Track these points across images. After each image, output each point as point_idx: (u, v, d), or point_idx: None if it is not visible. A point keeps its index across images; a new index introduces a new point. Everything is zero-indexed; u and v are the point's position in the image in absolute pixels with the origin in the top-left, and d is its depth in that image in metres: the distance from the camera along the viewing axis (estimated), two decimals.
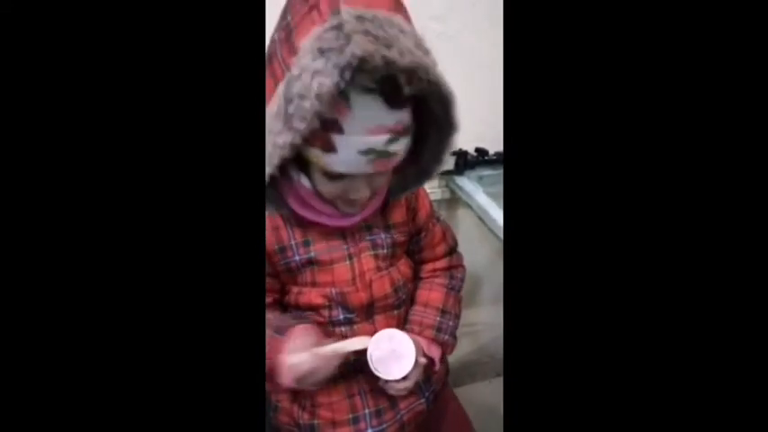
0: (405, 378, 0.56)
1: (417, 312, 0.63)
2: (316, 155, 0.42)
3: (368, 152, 0.40)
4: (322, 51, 0.34)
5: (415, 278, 0.66)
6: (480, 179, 0.86)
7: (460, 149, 0.86)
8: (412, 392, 0.59)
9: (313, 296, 0.55)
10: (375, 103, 0.38)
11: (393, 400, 0.59)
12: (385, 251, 0.58)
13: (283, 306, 0.59)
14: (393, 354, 0.55)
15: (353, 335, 0.57)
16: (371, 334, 0.56)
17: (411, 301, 0.64)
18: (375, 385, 0.58)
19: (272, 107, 0.38)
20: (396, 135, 0.41)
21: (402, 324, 0.61)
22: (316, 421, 0.58)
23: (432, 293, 0.64)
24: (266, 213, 0.52)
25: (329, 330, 0.57)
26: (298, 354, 0.48)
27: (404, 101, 0.39)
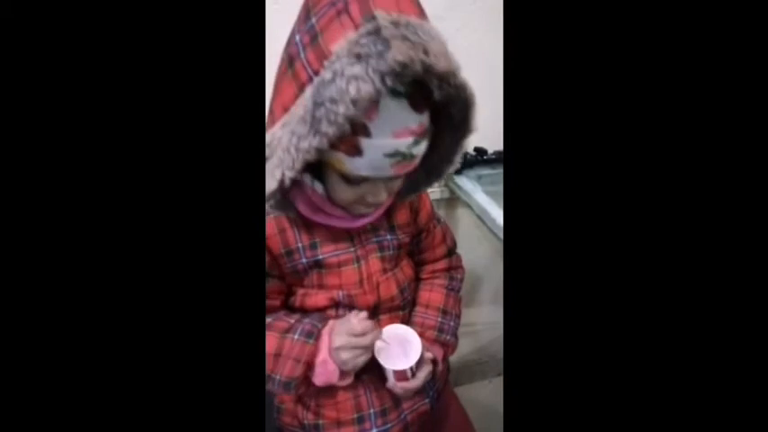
0: (413, 377, 0.57)
1: (419, 313, 0.63)
2: (338, 159, 0.41)
3: (393, 155, 0.40)
4: (359, 57, 0.34)
5: (416, 279, 0.66)
6: (479, 178, 0.86)
7: None
8: (416, 393, 0.60)
9: (319, 298, 0.55)
10: (402, 105, 0.38)
11: (397, 400, 0.60)
12: (391, 252, 0.58)
13: (289, 308, 0.59)
14: (399, 347, 0.56)
15: None
16: None
17: (412, 302, 0.65)
18: (380, 385, 0.58)
19: (297, 111, 0.37)
20: (419, 137, 0.41)
21: (406, 324, 0.61)
22: (320, 421, 0.58)
23: (432, 294, 0.64)
24: (272, 215, 0.52)
25: None
26: (340, 337, 0.51)
27: (426, 101, 0.40)
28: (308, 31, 0.38)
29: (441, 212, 0.69)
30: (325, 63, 0.36)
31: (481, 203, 0.76)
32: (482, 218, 0.76)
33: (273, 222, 0.52)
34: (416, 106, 0.39)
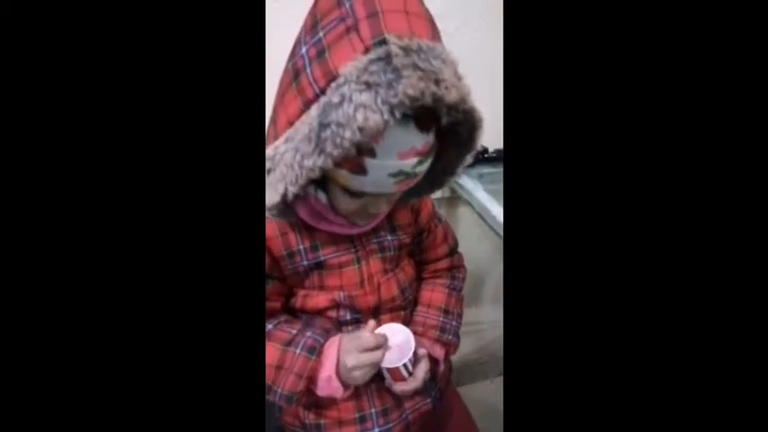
0: (411, 375, 0.56)
1: (420, 313, 0.63)
2: (342, 175, 0.41)
3: (397, 174, 0.40)
4: (369, 85, 0.33)
5: (418, 279, 0.66)
6: (480, 177, 0.86)
7: None
8: (417, 392, 0.60)
9: (320, 300, 0.55)
10: (409, 127, 0.37)
11: (399, 400, 0.60)
12: (392, 253, 0.58)
13: (289, 309, 0.59)
14: (394, 346, 0.56)
15: None
16: None
17: (414, 301, 0.65)
18: (381, 384, 0.58)
19: (302, 128, 0.37)
20: (424, 156, 0.41)
21: (407, 324, 0.61)
22: (322, 421, 0.58)
23: (434, 294, 0.64)
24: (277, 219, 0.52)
25: (336, 330, 0.57)
26: (352, 357, 0.51)
27: (432, 121, 0.39)
28: (315, 45, 0.37)
29: (442, 211, 0.69)
30: (333, 85, 0.35)
31: (482, 202, 0.76)
32: (483, 216, 0.76)
33: (275, 225, 0.52)
34: (423, 127, 0.38)
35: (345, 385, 0.52)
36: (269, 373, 0.51)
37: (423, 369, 0.58)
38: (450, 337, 0.63)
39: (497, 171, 0.87)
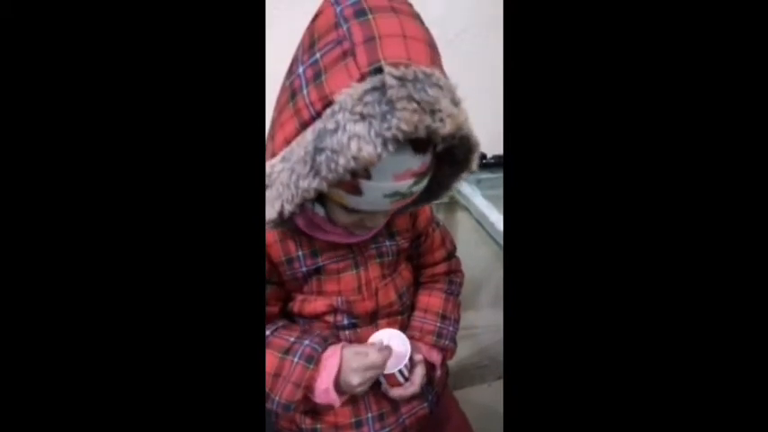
0: (407, 381, 0.56)
1: (418, 318, 0.63)
2: (338, 194, 0.41)
3: (393, 195, 0.40)
4: (363, 116, 0.33)
5: (415, 283, 0.66)
6: (478, 182, 0.86)
7: None
8: (414, 397, 0.59)
9: (318, 305, 0.55)
10: (404, 149, 0.37)
11: (396, 405, 0.60)
12: (390, 258, 0.58)
13: (287, 314, 0.59)
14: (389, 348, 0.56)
15: (357, 339, 0.57)
16: None
17: (411, 306, 0.65)
18: (378, 389, 0.58)
19: (298, 151, 0.37)
20: (420, 177, 0.41)
21: (405, 329, 0.62)
22: (318, 426, 0.58)
23: (431, 299, 0.64)
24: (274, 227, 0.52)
25: (334, 334, 0.57)
26: (357, 375, 0.51)
27: (429, 143, 0.39)
28: (312, 66, 0.37)
29: (440, 216, 0.69)
30: (328, 111, 0.35)
31: (480, 207, 0.76)
32: (481, 222, 0.76)
33: (274, 231, 0.52)
34: (419, 150, 0.38)
35: (342, 395, 0.52)
36: (266, 381, 0.51)
37: (419, 374, 0.58)
38: (446, 342, 0.63)
39: (496, 177, 0.88)
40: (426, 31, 0.38)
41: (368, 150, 0.33)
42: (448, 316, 0.64)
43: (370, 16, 0.35)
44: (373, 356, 0.51)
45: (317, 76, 0.36)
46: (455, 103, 0.36)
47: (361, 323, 0.57)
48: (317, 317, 0.56)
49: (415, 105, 0.33)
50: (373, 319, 0.58)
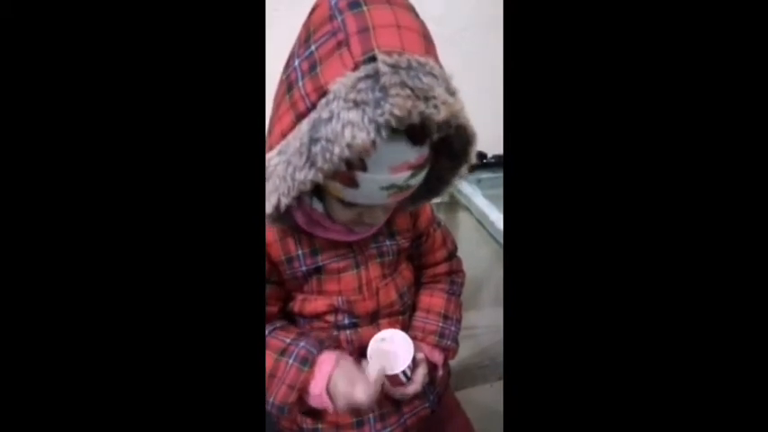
0: (410, 380, 0.56)
1: (419, 318, 0.63)
2: (335, 187, 0.41)
3: (389, 187, 0.40)
4: (357, 103, 0.33)
5: (417, 283, 0.66)
6: (479, 182, 0.86)
7: None
8: (416, 396, 0.59)
9: (319, 304, 0.55)
10: (400, 140, 0.37)
11: (397, 404, 0.59)
12: (390, 258, 0.58)
13: (287, 314, 0.59)
14: (391, 352, 0.56)
15: (358, 338, 0.57)
16: None
17: (413, 306, 0.65)
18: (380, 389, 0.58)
19: (294, 142, 0.37)
20: (417, 170, 0.40)
21: (406, 329, 0.61)
22: (319, 425, 0.58)
23: (433, 299, 0.64)
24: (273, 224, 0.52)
25: (334, 334, 0.57)
26: (349, 383, 0.49)
27: (425, 134, 0.38)
28: (308, 59, 0.37)
29: (440, 216, 0.69)
30: (323, 100, 0.35)
31: (481, 207, 0.76)
32: (482, 221, 0.76)
33: (274, 230, 0.52)
34: (416, 140, 0.38)
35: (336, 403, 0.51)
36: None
37: (421, 374, 0.58)
38: (448, 343, 0.63)
39: (496, 176, 0.88)
40: (421, 22, 0.39)
41: (361, 137, 0.33)
42: (450, 316, 0.64)
43: (364, 8, 0.36)
44: (359, 395, 0.49)
45: (313, 67, 0.37)
46: (450, 92, 0.36)
47: (361, 323, 0.57)
48: (318, 316, 0.56)
49: (408, 92, 0.33)
50: (374, 319, 0.58)
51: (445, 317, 0.63)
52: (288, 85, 0.39)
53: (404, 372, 0.55)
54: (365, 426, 0.57)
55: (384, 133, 0.34)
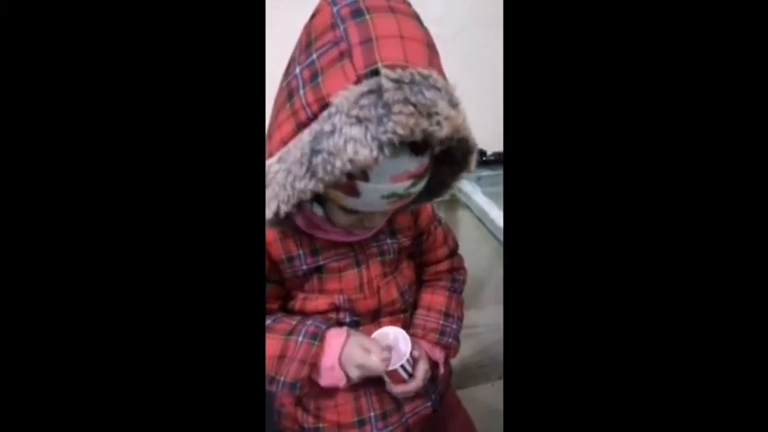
0: (411, 377, 0.56)
1: (420, 316, 0.63)
2: (336, 195, 0.41)
3: (390, 196, 0.40)
4: (359, 119, 0.33)
5: (418, 281, 0.66)
6: (479, 180, 0.86)
7: None
8: (417, 395, 0.59)
9: (320, 303, 0.55)
10: (402, 153, 0.37)
11: (399, 403, 0.59)
12: (391, 256, 0.58)
13: (288, 312, 0.58)
14: (392, 349, 0.56)
15: None
16: None
17: (414, 304, 0.64)
18: (381, 387, 0.58)
19: (294, 152, 0.37)
20: (418, 179, 0.40)
21: (407, 327, 0.61)
22: (321, 425, 0.58)
23: (434, 297, 0.64)
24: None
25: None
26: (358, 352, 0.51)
27: (427, 144, 0.38)
28: (309, 67, 0.37)
29: (440, 214, 0.69)
30: (325, 113, 0.35)
31: (481, 205, 0.76)
32: (482, 219, 0.76)
33: (274, 229, 0.52)
34: (417, 151, 0.38)
35: (348, 376, 0.52)
36: (271, 365, 0.51)
37: (422, 369, 0.58)
38: (449, 340, 0.63)
39: (496, 174, 0.88)
40: (425, 31, 0.38)
41: (364, 154, 0.33)
42: (451, 314, 0.64)
43: (367, 17, 0.35)
44: (375, 360, 0.51)
45: (314, 77, 0.36)
46: (453, 104, 0.36)
47: (363, 321, 0.57)
48: (319, 315, 0.56)
49: (411, 109, 0.33)
50: (375, 318, 0.58)
51: (446, 314, 0.63)
52: (288, 92, 0.39)
53: (403, 367, 0.54)
54: (367, 425, 0.57)
55: (387, 151, 0.33)
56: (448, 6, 0.75)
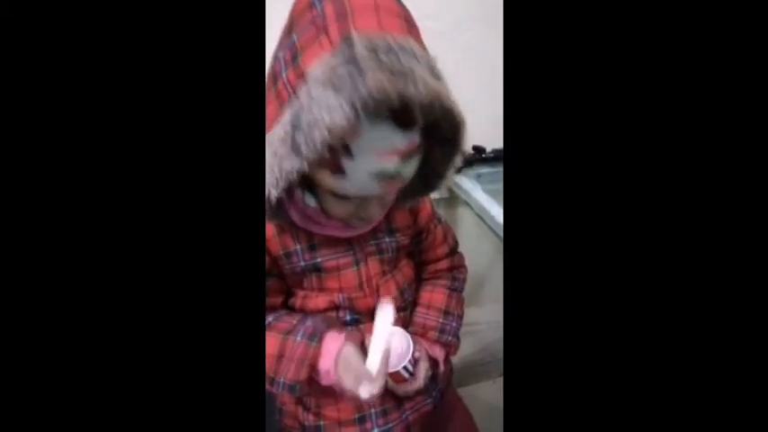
0: (412, 377, 0.56)
1: (420, 314, 0.63)
2: (324, 177, 0.41)
3: (379, 175, 0.39)
4: (334, 86, 0.33)
5: (418, 279, 0.66)
6: (478, 177, 0.86)
7: None
8: (418, 392, 0.59)
9: (320, 301, 0.55)
10: (387, 127, 0.37)
11: (399, 400, 0.59)
12: (390, 255, 0.58)
13: (289, 308, 0.58)
14: (393, 350, 0.56)
15: (361, 335, 0.57)
16: None
17: (414, 302, 0.64)
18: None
19: (278, 131, 0.37)
20: (407, 156, 0.40)
21: (407, 326, 0.61)
22: (321, 422, 0.58)
23: (434, 295, 0.64)
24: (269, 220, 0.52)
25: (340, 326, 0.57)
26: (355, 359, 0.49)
27: (414, 118, 0.38)
28: (290, 48, 0.37)
29: (440, 212, 0.69)
30: (303, 88, 0.35)
31: (481, 202, 0.76)
32: (482, 216, 0.76)
33: (272, 225, 0.52)
34: (403, 125, 0.37)
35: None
36: (270, 364, 0.50)
37: (423, 369, 0.58)
38: (449, 338, 0.63)
39: (496, 171, 0.87)
40: (402, 6, 0.38)
41: (339, 118, 0.33)
42: (451, 312, 0.64)
43: None
44: (360, 390, 0.48)
45: (295, 57, 0.37)
46: (434, 75, 0.35)
47: (363, 320, 0.57)
48: (319, 313, 0.56)
49: (386, 72, 0.33)
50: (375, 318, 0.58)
51: (446, 313, 0.63)
52: (273, 77, 0.39)
53: (405, 368, 0.55)
54: (367, 422, 0.57)
55: (364, 115, 0.33)
56: (444, 1, 0.75)
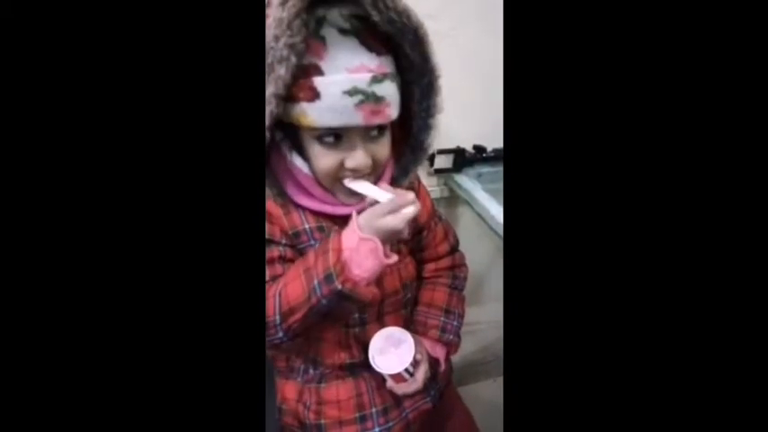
0: (412, 377, 0.57)
1: (421, 313, 0.63)
2: (301, 111, 0.42)
3: (353, 92, 0.40)
4: (297, 12, 0.37)
5: (419, 278, 0.66)
6: (479, 176, 0.86)
7: (458, 147, 0.86)
8: (417, 391, 0.59)
9: None
10: (352, 43, 0.40)
11: (399, 399, 0.60)
12: (389, 248, 0.57)
13: None
14: (394, 350, 0.56)
15: (365, 335, 0.57)
16: None
17: (415, 301, 0.65)
18: (381, 383, 0.59)
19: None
20: (379, 75, 0.41)
21: (408, 324, 0.62)
22: (322, 421, 0.58)
23: (435, 293, 0.64)
24: (278, 201, 0.51)
25: (342, 332, 0.57)
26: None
27: (380, 43, 0.41)
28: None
29: (441, 211, 0.69)
30: (268, 10, 0.38)
31: (481, 201, 0.76)
32: (482, 216, 0.76)
33: (278, 205, 0.51)
34: (368, 45, 0.41)
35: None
36: (299, 280, 0.45)
37: (423, 370, 0.58)
38: (450, 337, 0.63)
39: (496, 170, 0.87)
40: None
41: (291, 9, 0.37)
42: (452, 310, 0.64)
43: None
44: (410, 208, 0.44)
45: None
46: None
47: (368, 318, 0.57)
48: None
49: None
50: (379, 315, 0.58)
51: (447, 311, 0.64)
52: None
53: (406, 369, 0.55)
54: (368, 420, 0.58)
55: (326, 31, 0.38)
56: (444, 1, 0.75)
